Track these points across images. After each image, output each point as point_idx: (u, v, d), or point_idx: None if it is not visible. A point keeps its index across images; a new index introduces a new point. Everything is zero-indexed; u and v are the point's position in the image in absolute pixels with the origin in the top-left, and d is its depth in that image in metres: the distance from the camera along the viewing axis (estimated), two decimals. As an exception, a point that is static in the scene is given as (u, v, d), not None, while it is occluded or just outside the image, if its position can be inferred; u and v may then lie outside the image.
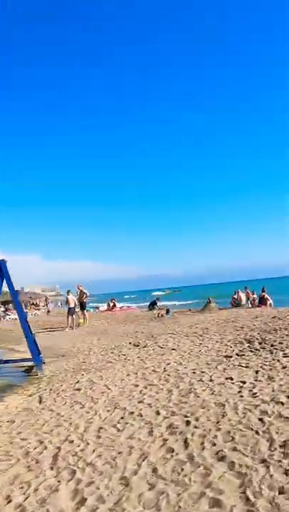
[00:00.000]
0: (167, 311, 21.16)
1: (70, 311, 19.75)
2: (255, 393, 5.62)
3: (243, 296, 21.84)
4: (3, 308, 38.84)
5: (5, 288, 10.89)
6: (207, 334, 12.08)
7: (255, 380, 6.31)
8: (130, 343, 12.36)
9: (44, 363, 10.87)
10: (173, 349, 10.23)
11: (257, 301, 21.16)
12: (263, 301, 20.36)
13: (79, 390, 7.44)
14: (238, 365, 7.48)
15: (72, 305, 19.83)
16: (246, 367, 7.29)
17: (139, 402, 6.07)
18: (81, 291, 21.30)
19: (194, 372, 7.37)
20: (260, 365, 7.29)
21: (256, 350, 8.71)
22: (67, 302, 20.57)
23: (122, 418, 5.47)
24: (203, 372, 7.34)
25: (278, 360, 7.43)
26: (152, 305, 25.90)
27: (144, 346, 11.39)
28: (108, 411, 5.89)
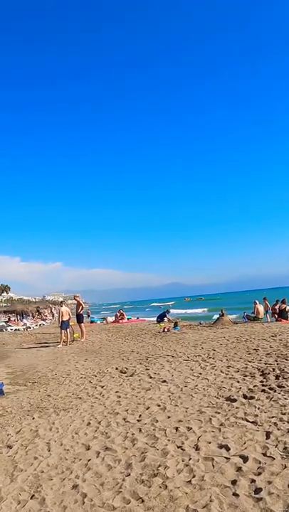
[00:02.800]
0: (175, 325, 18.87)
1: (64, 325, 17.57)
2: (260, 490, 3.32)
3: (261, 308, 19.30)
4: (5, 319, 36.98)
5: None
6: (212, 358, 9.75)
7: (264, 455, 4.00)
8: (117, 368, 10.10)
9: (3, 393, 8.75)
10: (164, 381, 7.96)
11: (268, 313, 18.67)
12: (283, 315, 17.83)
13: (10, 447, 5.23)
14: (243, 418, 5.16)
15: (65, 318, 17.67)
16: (253, 422, 4.96)
17: (72, 488, 3.85)
18: (78, 302, 19.17)
19: (177, 429, 5.09)
20: (273, 419, 4.96)
21: (271, 389, 6.35)
22: (60, 315, 18.38)
23: (27, 529, 3.24)
24: (189, 428, 5.05)
25: (302, 413, 5.09)
26: (161, 317, 23.58)
27: (132, 374, 9.14)
28: (19, 503, 3.67)
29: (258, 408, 5.48)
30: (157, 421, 5.52)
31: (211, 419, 5.28)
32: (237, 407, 5.64)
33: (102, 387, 8.27)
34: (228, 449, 4.24)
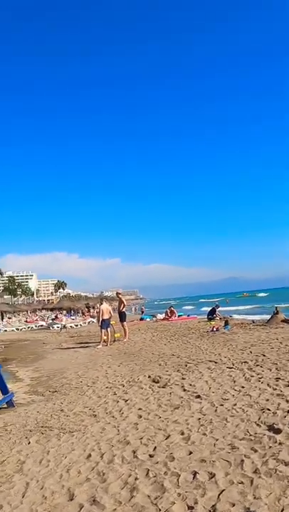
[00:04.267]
0: (226, 323, 17.43)
1: (104, 324, 16.56)
2: None
3: None
4: (53, 316, 36.76)
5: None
6: (260, 366, 8.35)
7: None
8: (150, 376, 8.91)
9: (14, 405, 7.81)
10: (198, 396, 6.68)
11: None
12: None
13: (-18, 489, 4.16)
14: (286, 463, 3.78)
15: (106, 316, 16.64)
16: (302, 471, 3.58)
17: None
18: (120, 299, 18.14)
19: (195, 475, 3.80)
20: None
21: None
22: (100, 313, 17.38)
23: None
24: (212, 475, 3.75)
25: None
26: (211, 314, 22.15)
27: (164, 385, 7.94)
28: None
29: (311, 446, 4.08)
30: (174, 459, 4.26)
31: (243, 460, 3.95)
32: (280, 443, 4.26)
33: (126, 401, 7.12)
34: (258, 521, 2.91)
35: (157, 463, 4.22)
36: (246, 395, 6.34)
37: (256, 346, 11.10)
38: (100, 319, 16.78)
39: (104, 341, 16.42)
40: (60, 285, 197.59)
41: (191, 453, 4.36)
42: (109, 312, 17.18)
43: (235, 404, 5.92)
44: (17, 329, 34.88)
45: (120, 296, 18.39)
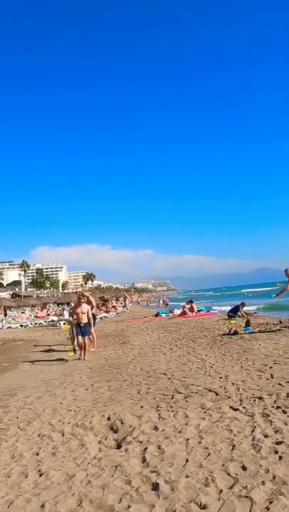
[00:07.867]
0: (247, 324, 14.21)
1: (85, 330, 12.75)
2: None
3: None
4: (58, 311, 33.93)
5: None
6: (283, 412, 5.16)
7: None
8: (109, 418, 5.86)
9: None
10: (155, 487, 3.65)
11: None
12: None
13: None
14: None
15: (84, 320, 12.67)
16: None
17: None
18: (88, 298, 14.33)
19: None
20: None
21: None
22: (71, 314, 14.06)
23: None
24: None
25: None
26: (234, 312, 18.91)
27: (121, 442, 4.97)
28: None
29: None
30: None
31: None
32: None
33: (40, 476, 4.18)
34: None
35: None
36: (247, 498, 3.19)
37: (280, 365, 7.84)
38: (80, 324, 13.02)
39: (84, 350, 12.79)
40: (88, 277, 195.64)
41: None
42: (89, 314, 13.59)
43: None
44: (21, 326, 32.24)
45: (87, 294, 14.62)
